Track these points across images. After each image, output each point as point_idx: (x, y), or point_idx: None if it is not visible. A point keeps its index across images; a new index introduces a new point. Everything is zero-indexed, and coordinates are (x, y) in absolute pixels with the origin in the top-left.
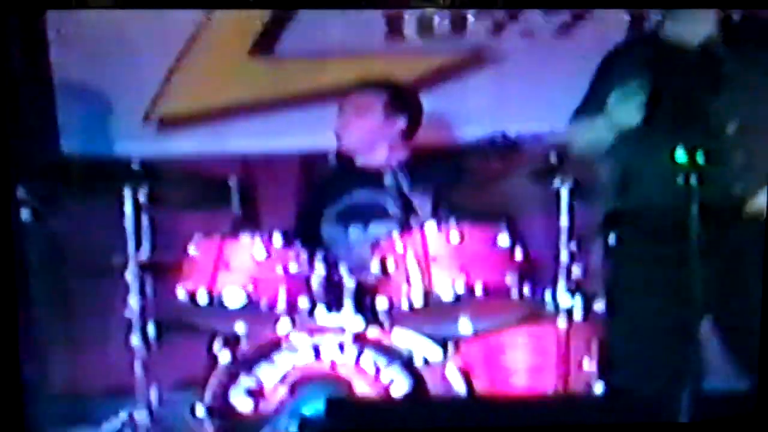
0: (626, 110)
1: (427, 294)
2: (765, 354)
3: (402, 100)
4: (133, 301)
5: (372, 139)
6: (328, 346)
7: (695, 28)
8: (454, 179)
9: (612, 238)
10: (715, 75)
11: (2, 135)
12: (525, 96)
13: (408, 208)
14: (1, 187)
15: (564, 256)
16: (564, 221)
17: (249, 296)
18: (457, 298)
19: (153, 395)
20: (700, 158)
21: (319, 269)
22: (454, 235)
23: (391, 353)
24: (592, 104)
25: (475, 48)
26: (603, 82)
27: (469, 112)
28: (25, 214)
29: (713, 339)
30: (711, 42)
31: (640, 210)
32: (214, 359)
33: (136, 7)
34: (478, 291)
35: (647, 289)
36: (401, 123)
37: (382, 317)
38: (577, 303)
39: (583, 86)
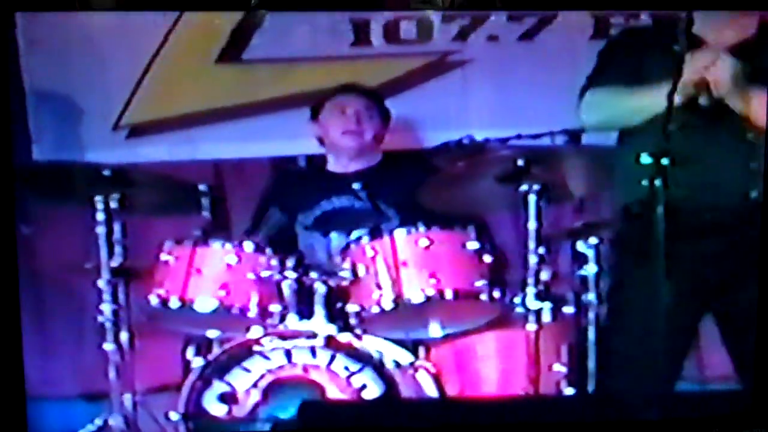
0: None
1: (398, 298)
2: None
3: (379, 105)
4: (106, 307)
5: (358, 145)
6: (300, 351)
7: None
8: (423, 184)
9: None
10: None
11: None
12: (491, 100)
13: (377, 213)
14: None
15: (532, 260)
16: (532, 224)
17: (221, 302)
18: (427, 301)
19: (127, 400)
20: (665, 161)
21: (290, 275)
22: (423, 240)
23: (362, 357)
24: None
25: (441, 53)
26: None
27: (436, 117)
28: None
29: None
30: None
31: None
32: (187, 364)
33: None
34: (448, 295)
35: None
36: (379, 128)
37: (353, 322)
38: (545, 306)
39: (548, 89)
